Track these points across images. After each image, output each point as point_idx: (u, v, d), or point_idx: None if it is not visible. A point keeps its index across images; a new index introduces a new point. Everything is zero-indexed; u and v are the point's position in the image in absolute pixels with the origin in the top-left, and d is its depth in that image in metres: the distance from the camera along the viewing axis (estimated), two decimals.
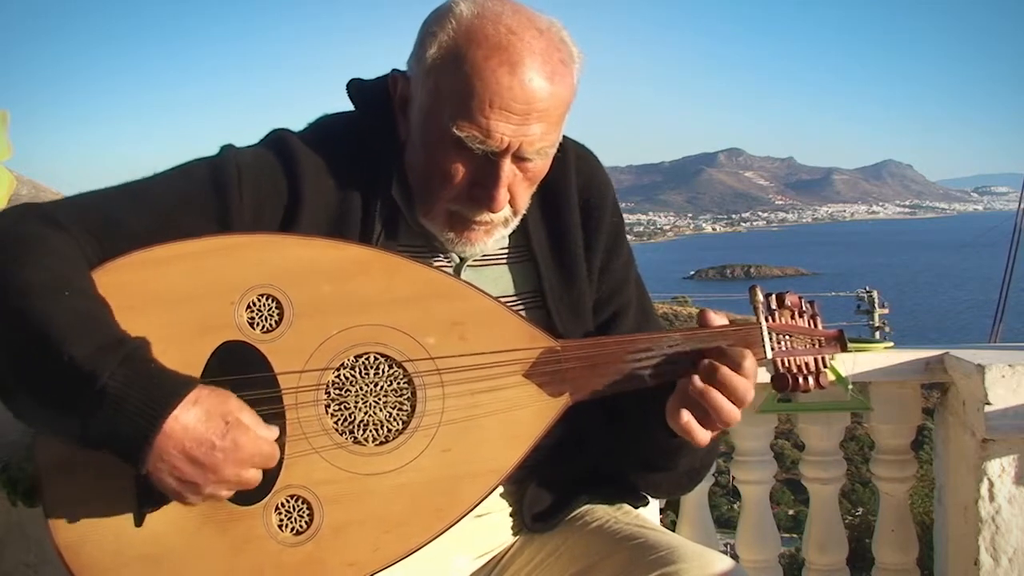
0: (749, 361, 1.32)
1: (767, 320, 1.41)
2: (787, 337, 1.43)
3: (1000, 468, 2.31)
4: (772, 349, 1.40)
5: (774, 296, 1.44)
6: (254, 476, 1.18)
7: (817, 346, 1.45)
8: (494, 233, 1.41)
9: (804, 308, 1.46)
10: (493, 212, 1.37)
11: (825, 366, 1.45)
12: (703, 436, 1.33)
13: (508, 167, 1.33)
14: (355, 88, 1.48)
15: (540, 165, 1.38)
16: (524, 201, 1.41)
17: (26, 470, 1.57)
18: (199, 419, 1.12)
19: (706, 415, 1.32)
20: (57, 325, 1.11)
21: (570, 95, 1.35)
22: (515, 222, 1.43)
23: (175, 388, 1.12)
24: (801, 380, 1.42)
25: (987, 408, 2.23)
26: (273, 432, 1.19)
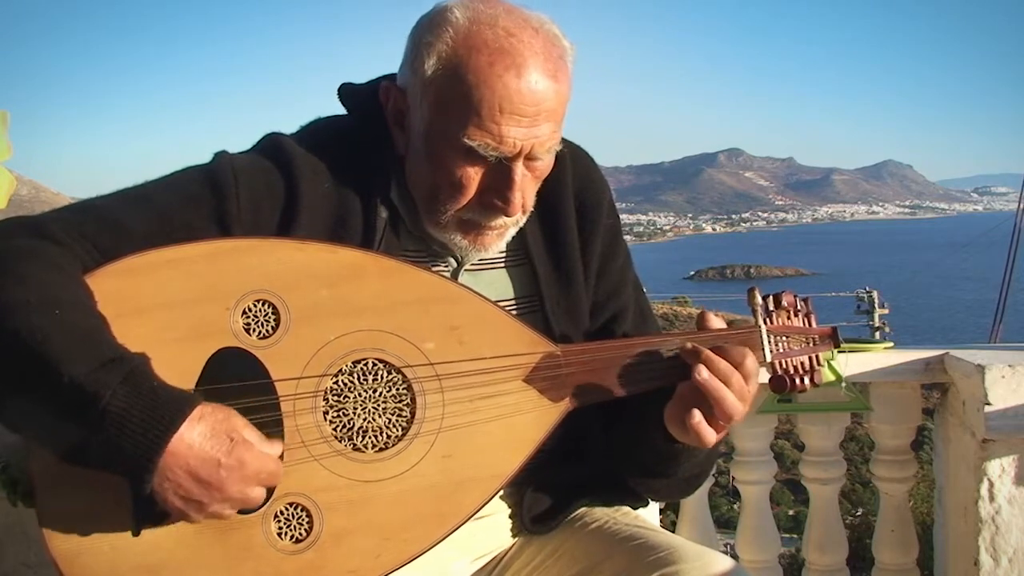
0: (750, 360, 1.32)
1: (766, 323, 1.41)
2: (784, 338, 1.43)
3: (1000, 468, 2.30)
4: (771, 352, 1.41)
5: (771, 297, 1.44)
6: (259, 494, 1.17)
7: (812, 344, 1.46)
8: (506, 235, 1.41)
9: (799, 307, 1.47)
10: (509, 216, 1.36)
11: (819, 364, 1.46)
12: (710, 436, 1.32)
13: (521, 170, 1.33)
14: (347, 92, 1.47)
15: (547, 162, 1.38)
16: (532, 199, 1.40)
17: (27, 470, 1.56)
18: (204, 436, 1.11)
19: (709, 409, 1.31)
20: (54, 344, 1.08)
21: (568, 88, 1.35)
22: (524, 220, 1.43)
23: (179, 406, 1.10)
24: (798, 381, 1.43)
25: (987, 408, 2.22)
26: (276, 448, 1.18)
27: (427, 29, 1.32)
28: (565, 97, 1.33)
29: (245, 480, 1.14)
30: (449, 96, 1.30)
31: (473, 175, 1.33)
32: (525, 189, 1.36)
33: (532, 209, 1.44)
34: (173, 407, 1.10)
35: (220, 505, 1.14)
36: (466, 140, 1.29)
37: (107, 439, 1.07)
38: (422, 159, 1.36)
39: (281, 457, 1.19)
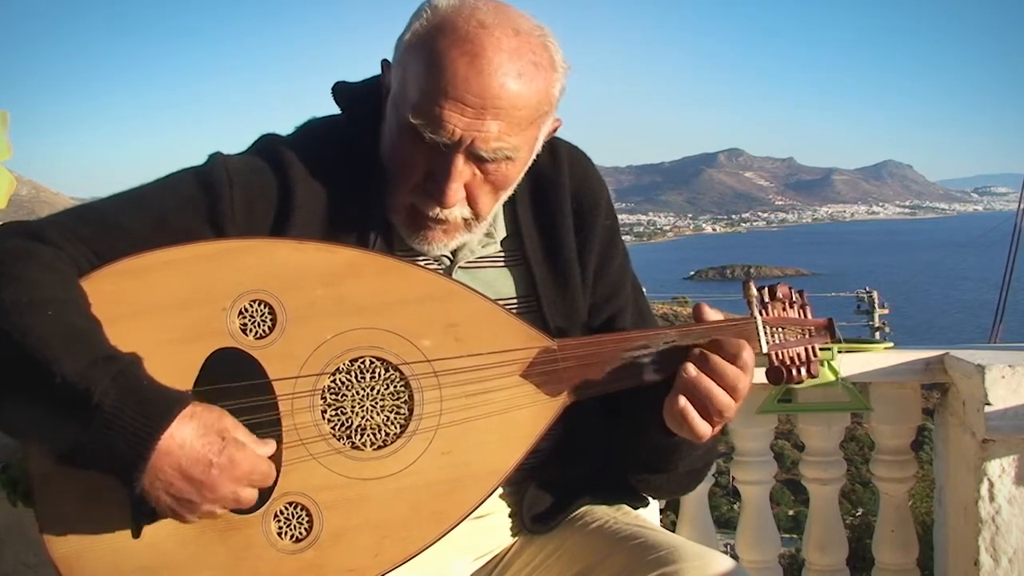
0: (746, 352, 1.32)
1: (761, 314, 1.41)
2: (780, 329, 1.43)
3: (1000, 468, 2.30)
4: (767, 343, 1.41)
5: (767, 289, 1.44)
6: (250, 495, 1.17)
7: (808, 336, 1.46)
8: (455, 235, 1.39)
9: (795, 298, 1.47)
10: (444, 207, 1.34)
11: (815, 355, 1.45)
12: (702, 427, 1.32)
13: (461, 162, 1.31)
14: (341, 91, 1.47)
15: (504, 170, 1.35)
16: (485, 205, 1.38)
17: (26, 470, 1.57)
18: (195, 435, 1.11)
19: (702, 405, 1.31)
20: (45, 343, 1.09)
21: (539, 100, 1.32)
22: (480, 227, 1.40)
23: (169, 404, 1.11)
24: (795, 372, 1.42)
25: (987, 408, 2.21)
26: (269, 448, 1.18)
27: (418, 8, 1.34)
28: (526, 102, 1.30)
29: (236, 480, 1.14)
30: (410, 72, 1.30)
31: (417, 155, 1.32)
32: (474, 191, 1.35)
33: (524, 212, 1.44)
34: (164, 405, 1.10)
35: (211, 504, 1.14)
36: (411, 118, 1.29)
37: (98, 437, 1.07)
38: (386, 132, 1.38)
39: (273, 457, 1.18)
